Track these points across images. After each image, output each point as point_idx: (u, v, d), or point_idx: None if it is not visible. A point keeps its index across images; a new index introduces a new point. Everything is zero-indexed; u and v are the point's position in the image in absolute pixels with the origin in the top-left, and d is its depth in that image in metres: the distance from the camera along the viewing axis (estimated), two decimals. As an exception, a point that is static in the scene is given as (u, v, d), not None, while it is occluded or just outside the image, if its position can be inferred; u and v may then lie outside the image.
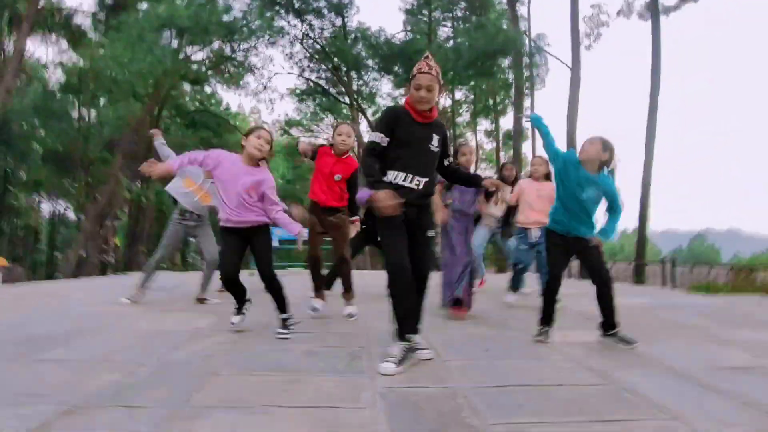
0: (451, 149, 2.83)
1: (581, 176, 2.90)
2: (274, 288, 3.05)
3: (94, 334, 3.09)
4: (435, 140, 2.56)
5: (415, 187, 2.49)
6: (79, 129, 23.42)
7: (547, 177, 4.48)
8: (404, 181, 2.48)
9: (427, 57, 2.54)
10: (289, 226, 3.05)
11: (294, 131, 28.07)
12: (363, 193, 2.63)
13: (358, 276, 5.24)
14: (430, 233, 2.64)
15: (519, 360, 2.55)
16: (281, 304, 3.08)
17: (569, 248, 3.04)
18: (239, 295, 3.17)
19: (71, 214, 32.82)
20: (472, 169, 4.19)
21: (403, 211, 2.39)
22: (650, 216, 16.83)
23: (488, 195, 3.96)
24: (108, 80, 14.94)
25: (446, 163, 2.71)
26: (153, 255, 4.61)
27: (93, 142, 22.89)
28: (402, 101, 2.69)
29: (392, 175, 2.49)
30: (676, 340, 3.10)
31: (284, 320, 3.06)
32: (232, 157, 3.06)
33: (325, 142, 3.87)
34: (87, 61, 16.47)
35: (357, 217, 3.90)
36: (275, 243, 11.02)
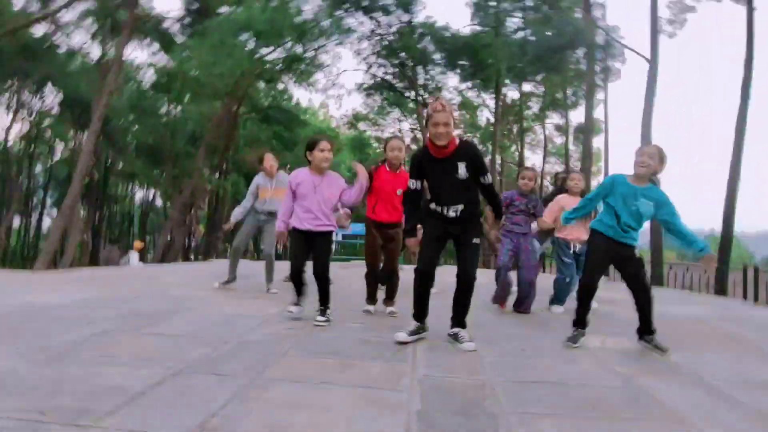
0: (487, 172, 3.08)
1: (634, 190, 3.04)
2: (322, 284, 3.48)
3: (186, 314, 3.70)
4: (461, 168, 2.92)
5: (453, 215, 2.96)
6: (166, 124, 25.72)
7: (582, 194, 4.44)
8: (443, 211, 2.98)
9: (438, 98, 3.11)
10: (356, 191, 3.47)
11: (361, 125, 28.90)
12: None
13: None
14: (475, 241, 3.04)
15: (550, 360, 2.78)
16: (324, 297, 3.50)
17: (612, 254, 3.15)
18: (300, 288, 3.60)
19: (160, 202, 36.22)
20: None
21: (446, 229, 3.03)
22: (740, 217, 15.61)
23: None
24: (193, 81, 16.33)
25: (483, 181, 3.02)
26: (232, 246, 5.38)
27: (179, 137, 25.07)
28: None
29: (433, 207, 3.03)
30: (715, 351, 3.15)
31: (323, 310, 3.48)
32: (304, 173, 3.53)
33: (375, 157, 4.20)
34: (175, 63, 18.02)
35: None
36: (339, 237, 11.71)
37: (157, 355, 2.55)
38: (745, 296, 11.63)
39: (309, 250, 3.53)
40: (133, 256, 14.32)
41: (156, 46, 23.20)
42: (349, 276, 6.57)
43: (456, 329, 3.03)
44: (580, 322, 3.16)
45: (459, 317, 3.06)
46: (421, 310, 3.06)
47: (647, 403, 2.12)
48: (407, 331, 2.98)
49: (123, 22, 18.20)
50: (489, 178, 3.08)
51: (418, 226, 3.19)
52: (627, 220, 3.04)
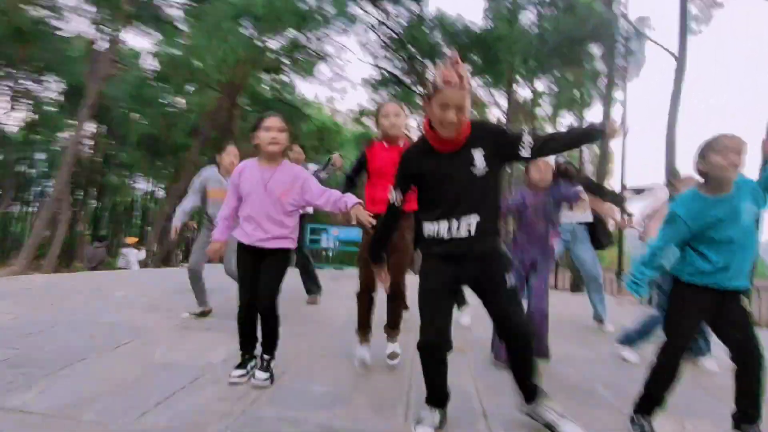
0: (524, 140, 1.92)
1: (731, 202, 2.00)
2: (268, 324, 2.46)
3: (94, 361, 2.70)
4: (478, 160, 1.90)
5: (466, 234, 1.90)
6: (166, 115, 24.85)
7: None
8: (449, 231, 1.90)
9: (455, 61, 1.83)
10: (340, 201, 2.43)
11: (367, 121, 27.88)
12: None
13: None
14: (510, 282, 1.96)
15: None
16: (270, 342, 2.50)
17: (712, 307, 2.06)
18: (250, 336, 2.57)
19: (161, 193, 35.47)
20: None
21: (454, 272, 1.94)
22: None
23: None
24: (186, 69, 15.39)
25: (525, 154, 1.91)
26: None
27: (179, 128, 24.19)
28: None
29: (432, 230, 1.95)
30: None
31: (266, 363, 2.49)
32: (250, 164, 2.51)
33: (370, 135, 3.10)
34: (172, 51, 17.12)
35: None
36: (329, 243, 10.70)
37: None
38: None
39: (257, 273, 2.48)
40: (132, 253, 12.59)
41: (157, 35, 22.41)
42: (336, 291, 5.54)
43: (532, 405, 2.02)
44: (650, 405, 2.09)
45: (526, 385, 2.02)
46: (438, 394, 2.02)
47: None
48: (431, 424, 1.96)
49: (121, 6, 17.33)
50: (530, 141, 1.90)
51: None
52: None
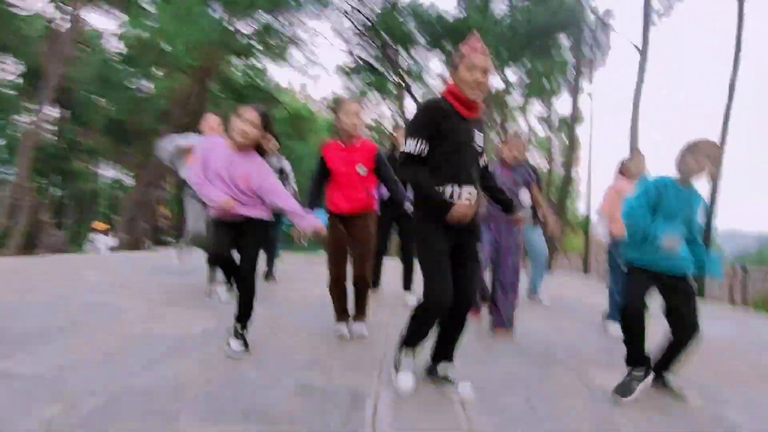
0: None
1: (689, 196, 2.35)
2: (245, 290, 2.52)
3: (73, 334, 2.73)
4: (479, 139, 2.16)
5: (467, 201, 2.04)
6: (133, 99, 24.06)
7: None
8: (453, 196, 2.04)
9: (477, 37, 2.12)
10: (301, 221, 2.53)
11: (340, 109, 27.64)
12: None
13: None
14: (479, 257, 2.21)
15: (567, 421, 1.93)
16: (244, 311, 2.54)
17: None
18: (230, 268, 2.59)
19: (130, 181, 34.42)
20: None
21: (453, 233, 2.09)
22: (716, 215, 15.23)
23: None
24: (155, 52, 14.96)
25: (481, 163, 2.22)
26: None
27: (147, 113, 23.46)
28: (449, 79, 2.18)
29: (446, 190, 2.06)
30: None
31: (239, 330, 2.56)
32: (220, 141, 2.57)
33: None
34: (140, 32, 16.55)
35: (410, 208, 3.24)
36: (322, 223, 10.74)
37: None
38: (731, 299, 11.22)
39: (233, 241, 2.53)
40: (101, 239, 12.26)
41: (123, 15, 21.59)
42: (314, 275, 5.64)
43: (443, 364, 2.25)
44: (637, 360, 2.32)
45: (449, 349, 2.25)
46: (422, 340, 2.22)
47: None
48: (410, 371, 2.19)
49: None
50: (486, 159, 2.26)
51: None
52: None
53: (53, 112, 23.66)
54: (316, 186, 2.90)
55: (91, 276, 4.95)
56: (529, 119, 30.04)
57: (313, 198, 2.86)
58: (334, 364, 2.46)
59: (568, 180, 21.45)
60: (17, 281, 4.43)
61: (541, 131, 31.12)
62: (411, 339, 2.18)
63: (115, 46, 23.92)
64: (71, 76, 19.41)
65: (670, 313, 2.33)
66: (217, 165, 2.49)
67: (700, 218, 2.39)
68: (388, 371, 2.33)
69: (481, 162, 2.21)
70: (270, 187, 2.52)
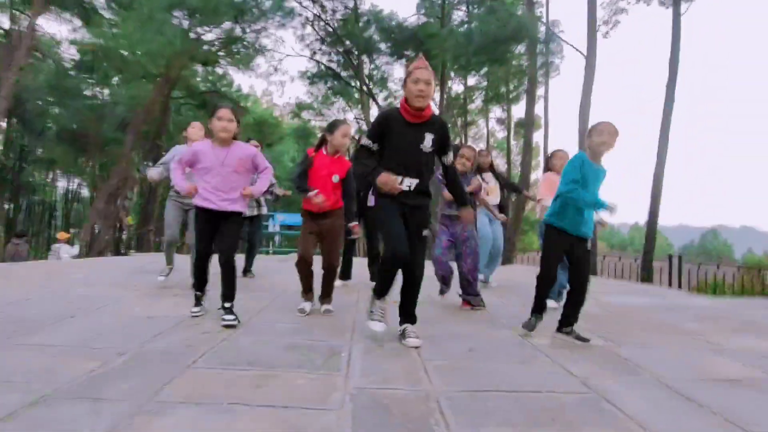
0: (451, 150, 2.85)
1: (598, 171, 2.94)
2: (228, 273, 3.05)
3: (84, 317, 3.11)
4: (428, 140, 2.66)
5: (407, 188, 2.64)
6: (91, 108, 23.57)
7: None
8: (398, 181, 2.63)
9: (421, 57, 2.69)
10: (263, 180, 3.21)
11: (305, 114, 28.00)
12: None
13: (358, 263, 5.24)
14: (425, 233, 2.77)
15: (501, 363, 2.50)
16: (230, 290, 3.06)
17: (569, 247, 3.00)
18: (203, 281, 3.24)
19: (86, 191, 33.40)
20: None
21: (401, 206, 2.66)
22: (663, 210, 16.52)
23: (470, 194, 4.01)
24: (118, 60, 14.93)
25: (445, 161, 2.82)
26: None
27: (107, 122, 23.06)
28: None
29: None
30: (668, 345, 3.03)
31: (229, 307, 3.05)
32: (205, 143, 3.14)
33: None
34: (98, 40, 16.40)
35: (356, 223, 3.78)
36: (276, 228, 11.12)
37: (22, 375, 2.01)
38: (669, 283, 12.34)
39: (215, 233, 3.09)
40: (64, 248, 12.18)
41: (78, 21, 21.20)
42: (286, 270, 6.09)
43: (404, 325, 2.79)
44: (540, 308, 3.04)
45: (408, 311, 2.83)
46: (384, 291, 2.77)
47: (609, 411, 1.88)
48: (379, 317, 2.74)
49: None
50: (450, 158, 2.84)
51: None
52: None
53: (1, 122, 22.85)
54: (302, 176, 3.42)
55: (75, 275, 5.22)
56: (489, 122, 31.34)
57: (302, 182, 3.38)
58: (315, 330, 2.97)
59: (525, 182, 22.56)
60: (5, 283, 4.67)
61: (500, 133, 32.50)
62: (378, 289, 2.74)
63: (70, 53, 23.43)
64: (23, 84, 18.93)
65: (572, 266, 2.99)
66: (209, 163, 3.00)
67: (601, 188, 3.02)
68: (360, 330, 2.86)
69: (444, 160, 2.80)
70: (262, 161, 3.16)
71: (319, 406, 1.81)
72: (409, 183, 2.65)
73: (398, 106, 2.73)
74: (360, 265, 5.50)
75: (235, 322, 2.97)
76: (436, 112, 2.86)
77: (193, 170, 3.12)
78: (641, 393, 2.10)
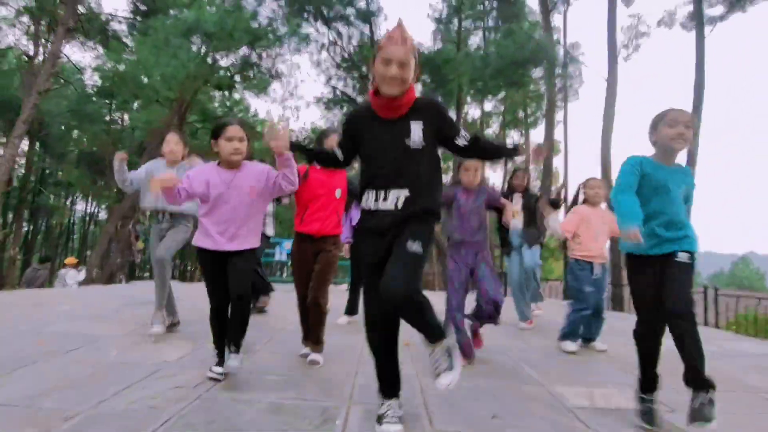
0: (460, 129, 1.98)
1: (675, 173, 2.20)
2: (240, 311, 2.50)
3: (47, 362, 2.73)
4: (416, 134, 1.88)
5: (393, 207, 1.86)
6: (110, 132, 24.00)
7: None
8: (377, 201, 1.89)
9: (399, 25, 1.90)
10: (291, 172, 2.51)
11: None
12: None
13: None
14: (413, 247, 1.81)
15: (523, 423, 2.03)
16: (238, 331, 2.52)
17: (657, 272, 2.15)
18: (222, 335, 2.60)
19: (103, 215, 33.80)
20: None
21: (383, 246, 1.88)
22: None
23: (497, 210, 3.37)
24: (134, 84, 15.08)
25: (461, 142, 1.96)
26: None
27: (125, 146, 23.41)
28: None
29: (365, 200, 1.96)
30: (726, 404, 2.50)
31: (235, 349, 2.52)
32: (210, 168, 2.62)
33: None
34: (115, 63, 16.69)
35: (349, 240, 3.32)
36: (282, 257, 10.71)
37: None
38: (705, 320, 11.52)
39: (226, 278, 2.52)
40: (70, 274, 11.90)
41: (101, 48, 21.76)
42: (288, 301, 5.67)
43: (383, 404, 1.95)
44: (651, 384, 2.21)
45: (388, 386, 1.98)
46: (389, 379, 1.99)
47: None
48: (394, 418, 1.89)
49: (61, 19, 16.78)
50: (466, 135, 1.97)
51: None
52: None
53: (22, 145, 23.34)
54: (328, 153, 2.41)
55: (62, 306, 4.89)
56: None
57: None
58: (308, 384, 2.53)
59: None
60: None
61: (519, 158, 32.07)
62: (379, 376, 2.00)
63: (91, 79, 24.01)
64: (45, 108, 19.33)
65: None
66: (215, 191, 2.52)
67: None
68: (362, 385, 2.40)
69: (460, 143, 1.96)
70: (272, 175, 2.56)
71: None
72: (396, 196, 1.86)
73: (369, 96, 1.98)
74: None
75: (236, 368, 2.48)
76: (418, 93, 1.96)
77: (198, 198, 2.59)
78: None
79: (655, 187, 2.15)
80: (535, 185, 27.70)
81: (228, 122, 2.61)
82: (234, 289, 2.49)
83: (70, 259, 13.95)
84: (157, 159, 3.84)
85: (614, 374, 3.08)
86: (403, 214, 1.86)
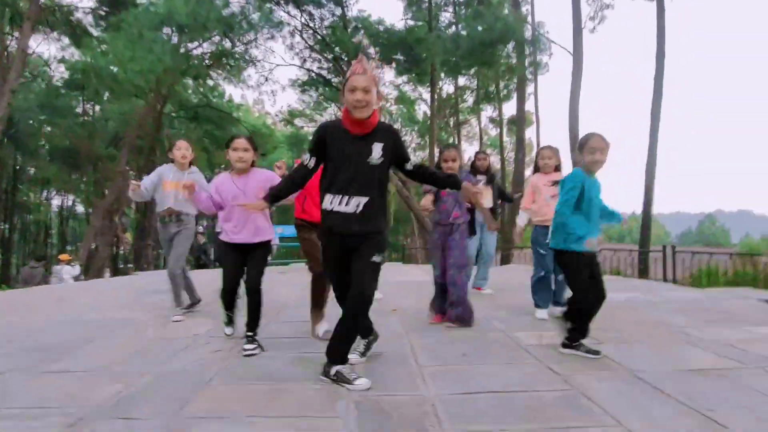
0: (409, 156, 2.55)
1: (596, 183, 2.92)
2: (254, 301, 3.03)
3: (101, 342, 3.32)
4: (376, 152, 2.34)
5: (353, 210, 2.31)
6: (83, 125, 23.74)
7: (557, 168, 4.19)
8: (340, 204, 2.32)
9: (360, 60, 2.37)
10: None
11: (298, 121, 28.21)
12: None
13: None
14: (376, 259, 2.38)
15: (491, 365, 2.72)
16: (255, 319, 3.05)
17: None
18: (232, 309, 3.26)
19: (81, 209, 33.49)
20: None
21: (342, 247, 2.41)
22: (657, 199, 16.76)
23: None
24: (109, 78, 15.09)
25: (409, 167, 2.52)
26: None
27: (99, 139, 23.24)
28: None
29: (327, 201, 2.38)
30: (647, 340, 3.26)
31: (252, 336, 3.03)
32: (224, 178, 3.19)
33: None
34: (89, 58, 16.56)
35: None
36: (276, 240, 11.30)
37: (55, 399, 2.22)
38: (664, 276, 12.58)
39: (243, 264, 3.10)
40: (65, 270, 12.22)
41: (65, 40, 21.34)
42: (286, 281, 6.30)
43: (336, 367, 2.38)
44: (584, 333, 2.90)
45: (340, 349, 2.43)
46: (365, 328, 2.73)
47: (587, 406, 2.10)
48: (359, 352, 2.69)
49: (26, 13, 16.50)
50: (414, 162, 2.53)
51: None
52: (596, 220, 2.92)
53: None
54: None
55: (83, 299, 5.41)
56: (482, 120, 31.63)
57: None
58: (318, 342, 3.17)
59: (518, 178, 22.84)
60: (13, 310, 4.85)
61: (493, 130, 32.83)
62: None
63: (58, 71, 23.56)
64: (15, 105, 19.07)
65: (593, 279, 2.89)
66: (232, 195, 3.06)
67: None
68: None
69: (408, 166, 2.50)
70: (275, 182, 2.97)
71: (327, 414, 2.02)
72: (357, 202, 2.31)
73: (341, 117, 2.43)
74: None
75: (256, 352, 2.94)
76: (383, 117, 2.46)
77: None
78: (617, 388, 2.33)
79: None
80: (510, 156, 28.55)
81: (236, 136, 3.18)
82: (249, 283, 3.05)
83: (64, 256, 14.23)
84: (168, 164, 4.32)
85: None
86: (359, 225, 2.34)
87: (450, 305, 3.72)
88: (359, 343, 2.72)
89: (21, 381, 2.50)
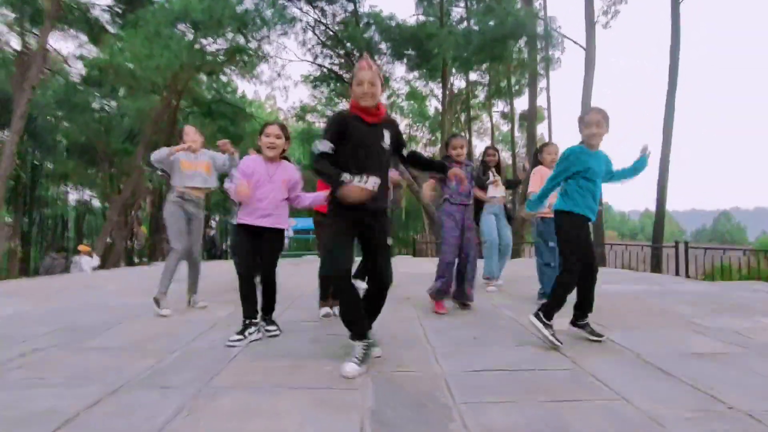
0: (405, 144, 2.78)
1: (599, 158, 2.98)
2: (269, 288, 3.15)
3: (130, 323, 3.51)
4: (387, 138, 2.59)
5: (372, 188, 2.36)
6: (100, 121, 24.18)
7: None
8: (359, 182, 2.37)
9: (365, 58, 2.60)
10: (318, 197, 3.24)
11: (310, 117, 28.41)
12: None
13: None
14: (389, 242, 2.61)
15: (502, 347, 2.84)
16: (270, 303, 3.18)
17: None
18: (252, 304, 3.07)
19: (97, 203, 34.14)
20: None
21: (358, 218, 2.49)
22: (672, 196, 16.67)
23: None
24: (127, 75, 15.40)
25: (404, 153, 2.76)
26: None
27: (115, 134, 23.68)
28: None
29: (348, 177, 2.40)
30: (654, 328, 3.35)
31: (270, 318, 3.18)
32: (254, 160, 3.22)
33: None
34: (106, 55, 16.89)
35: None
36: (290, 233, 11.50)
37: (95, 371, 2.39)
38: (677, 271, 12.54)
39: (258, 252, 3.16)
40: (85, 260, 12.59)
41: (83, 37, 21.75)
42: (299, 272, 6.47)
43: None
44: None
45: (369, 325, 2.61)
46: (357, 325, 2.49)
47: (591, 383, 2.22)
48: (356, 359, 2.40)
49: (46, 11, 16.88)
50: (408, 149, 2.78)
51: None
52: (597, 193, 2.97)
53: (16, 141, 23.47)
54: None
55: (108, 287, 5.63)
56: (493, 116, 31.54)
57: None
58: (333, 326, 3.32)
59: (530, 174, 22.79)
60: (46, 295, 5.08)
61: (505, 126, 32.71)
62: (348, 325, 2.51)
63: (77, 68, 24.01)
64: (34, 101, 19.51)
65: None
66: (259, 177, 3.13)
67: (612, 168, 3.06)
68: (376, 325, 3.19)
69: (404, 152, 2.74)
70: (297, 189, 3.24)
71: (345, 386, 2.16)
72: (375, 182, 2.38)
73: (349, 109, 2.60)
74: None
75: (278, 332, 3.10)
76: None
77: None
78: (622, 369, 2.44)
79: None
80: (521, 152, 28.44)
81: (269, 122, 3.28)
82: (264, 269, 3.16)
83: (84, 247, 14.60)
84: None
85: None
86: (374, 202, 2.46)
87: (467, 283, 3.89)
88: (357, 349, 2.46)
89: (61, 356, 2.68)
